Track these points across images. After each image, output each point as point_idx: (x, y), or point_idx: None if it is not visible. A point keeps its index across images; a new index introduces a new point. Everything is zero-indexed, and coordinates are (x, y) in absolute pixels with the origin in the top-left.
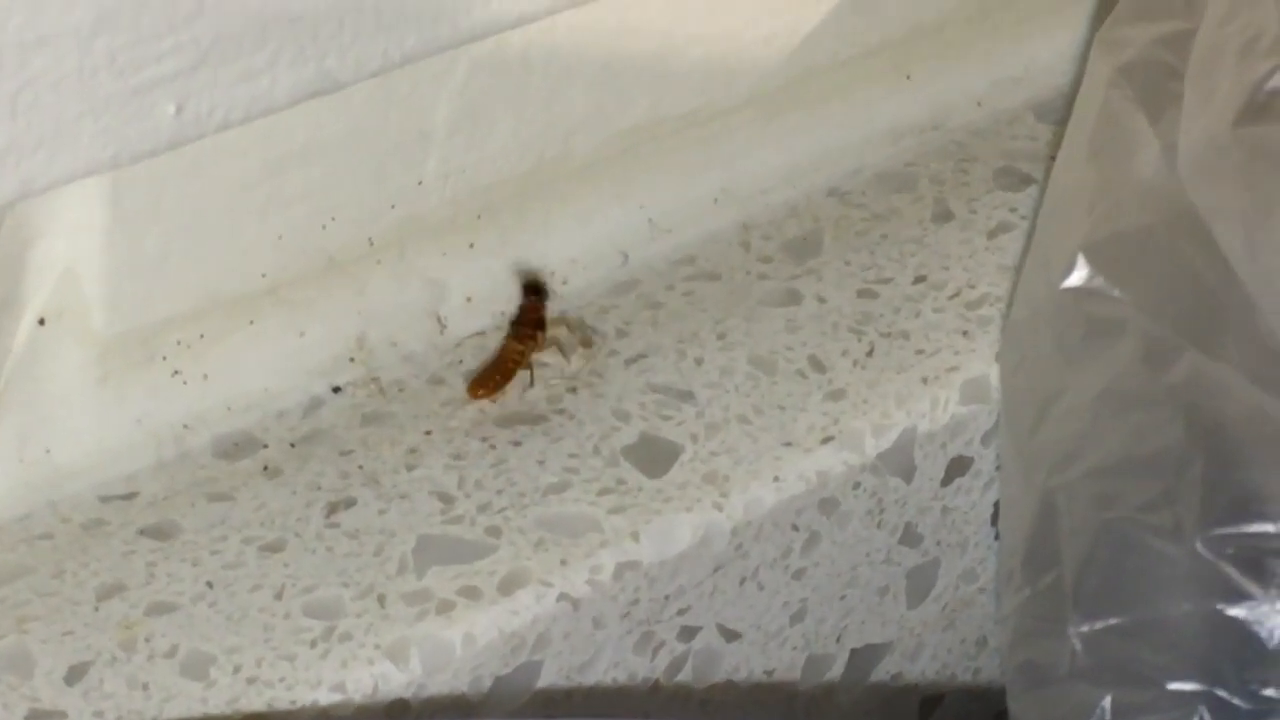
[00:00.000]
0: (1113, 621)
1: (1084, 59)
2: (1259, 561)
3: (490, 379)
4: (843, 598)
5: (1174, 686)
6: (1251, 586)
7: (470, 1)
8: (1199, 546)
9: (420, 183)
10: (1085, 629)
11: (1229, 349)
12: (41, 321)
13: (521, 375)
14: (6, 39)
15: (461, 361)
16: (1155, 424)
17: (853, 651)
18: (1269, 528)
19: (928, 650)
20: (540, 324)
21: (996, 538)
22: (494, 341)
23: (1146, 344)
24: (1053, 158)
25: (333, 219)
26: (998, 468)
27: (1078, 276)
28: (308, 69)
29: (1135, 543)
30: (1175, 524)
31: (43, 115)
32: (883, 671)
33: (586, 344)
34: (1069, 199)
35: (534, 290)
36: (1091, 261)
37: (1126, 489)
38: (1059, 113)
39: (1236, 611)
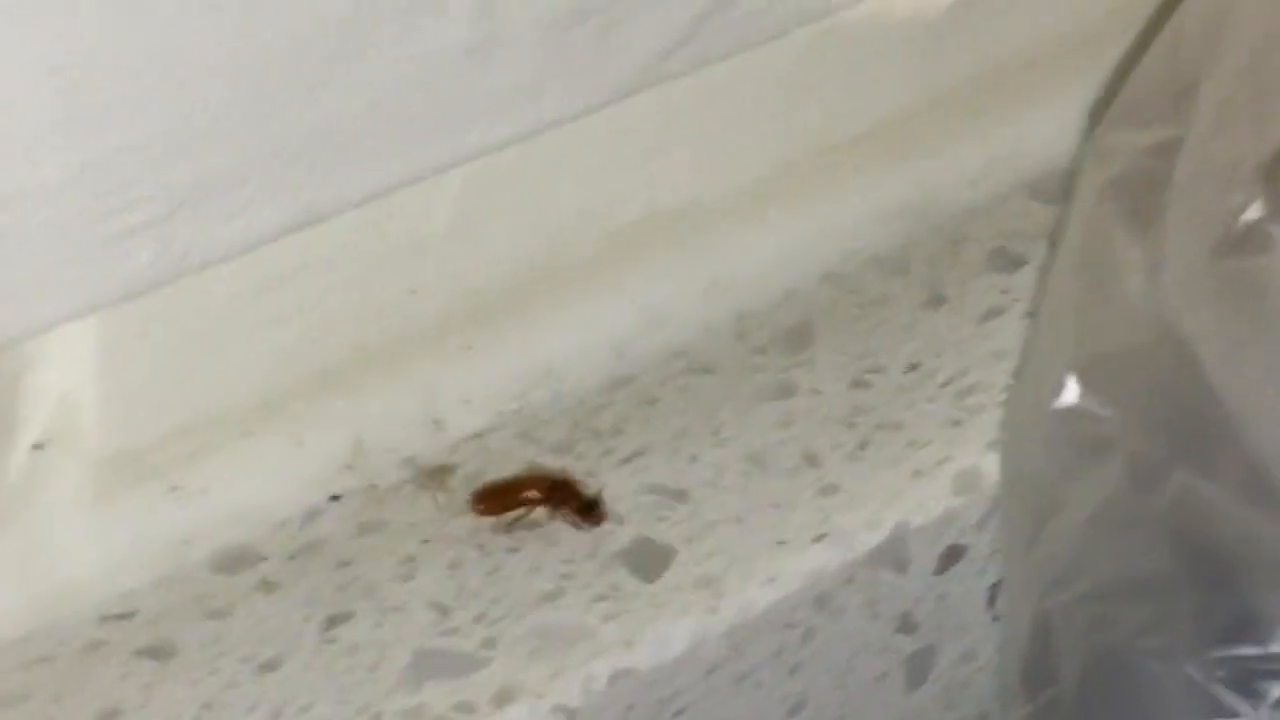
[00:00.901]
0: None
1: (1076, 136)
2: (1249, 682)
3: (499, 503)
4: (841, 688)
5: None
6: (1242, 706)
7: (453, 127)
8: (1190, 670)
9: (414, 290)
10: None
11: (1217, 468)
12: (38, 445)
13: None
14: None
15: (460, 465)
16: (1146, 546)
17: None
18: (1259, 650)
19: None
20: (582, 506)
21: (994, 620)
22: (494, 443)
23: (1136, 464)
24: (1045, 238)
25: (325, 331)
26: (992, 552)
27: (1068, 397)
28: (288, 205)
29: (1130, 665)
30: (1168, 647)
31: (19, 267)
32: None
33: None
34: (1059, 317)
35: (592, 507)
36: (1081, 381)
37: (1120, 612)
38: (1052, 191)
39: None
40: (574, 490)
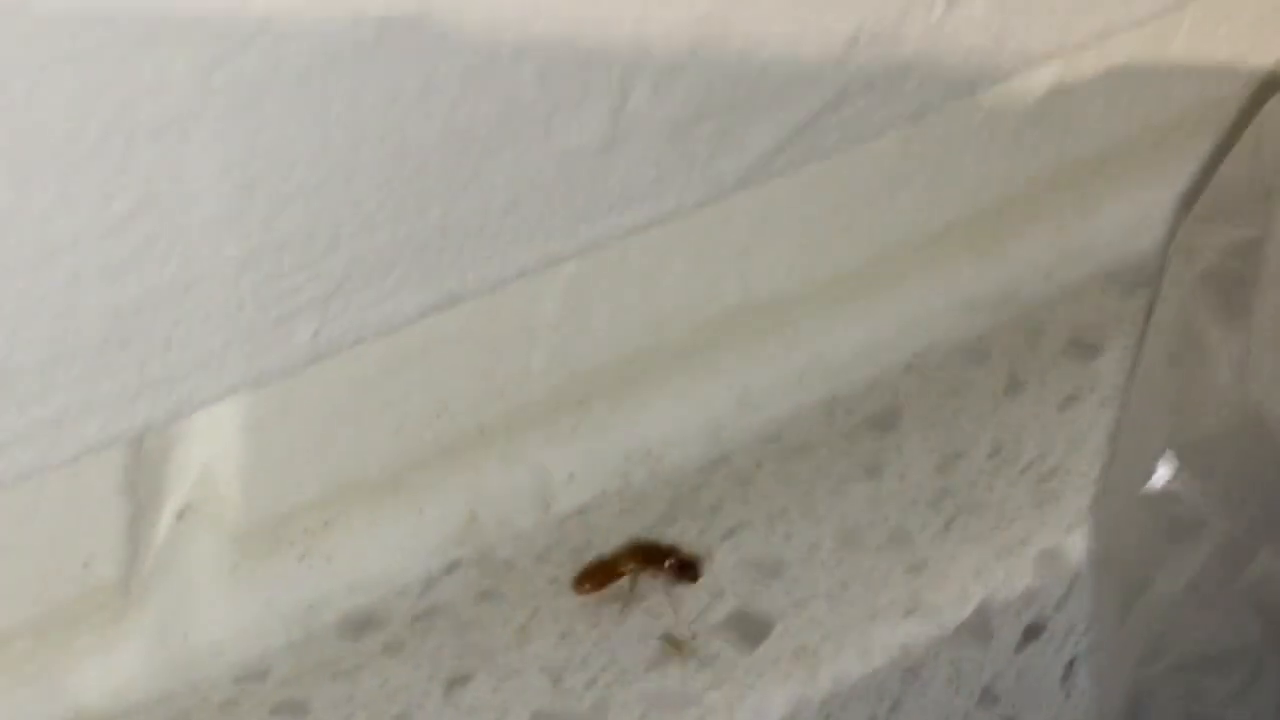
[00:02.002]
0: None
1: (1149, 229)
2: None
3: (597, 581)
4: None
5: None
6: None
7: (581, 218)
8: None
9: (526, 372)
10: None
11: None
12: (181, 515)
13: (624, 584)
14: (163, 281)
15: (566, 539)
16: (1233, 621)
17: None
18: None
19: None
20: (679, 563)
21: (1068, 697)
22: (597, 519)
23: (1224, 543)
24: (1120, 328)
25: (446, 409)
26: (1070, 629)
27: (1160, 479)
28: (430, 290)
29: None
30: (1255, 715)
31: (194, 348)
32: None
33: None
34: (1150, 404)
35: (689, 566)
36: (1174, 465)
37: (1209, 683)
38: (1125, 283)
39: None
40: (668, 550)
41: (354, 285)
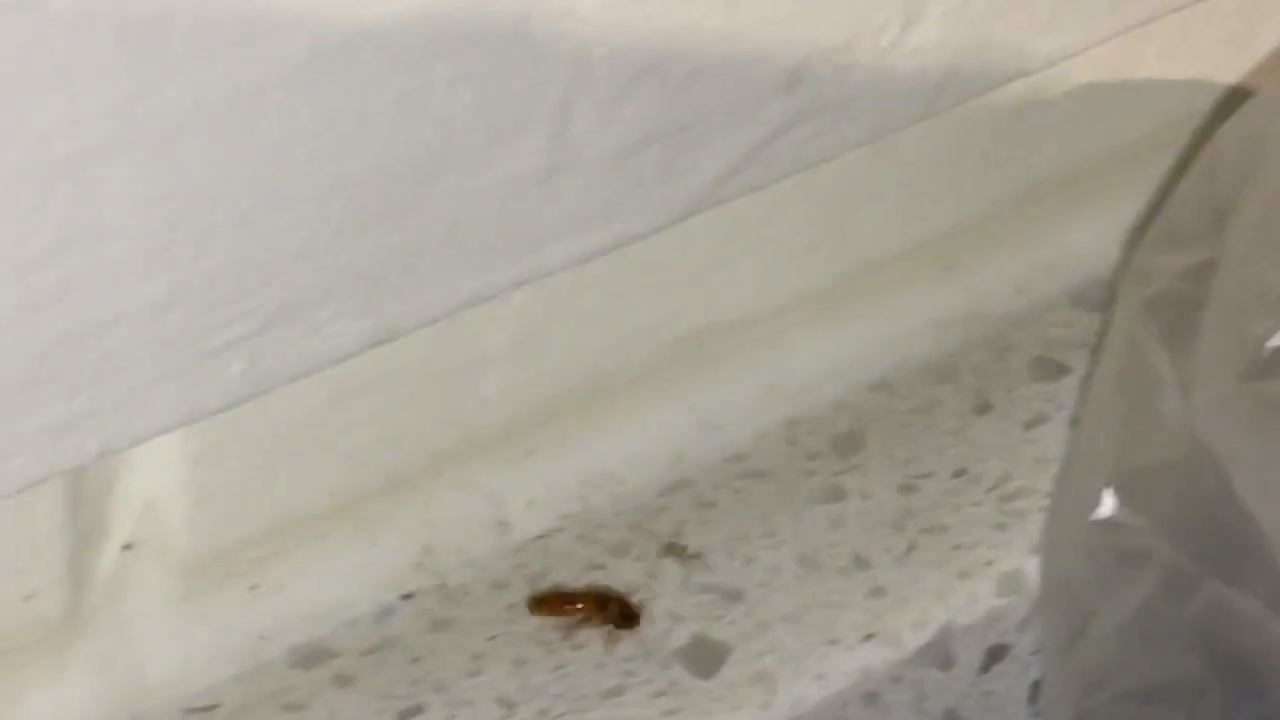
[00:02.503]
0: None
1: (1117, 247)
2: None
3: (551, 609)
4: None
5: None
6: None
7: (524, 248)
8: None
9: (480, 400)
10: None
11: (1247, 580)
12: (127, 547)
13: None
14: (87, 317)
15: (524, 565)
16: (1178, 652)
17: None
18: None
19: None
20: (620, 611)
21: (1035, 716)
22: (556, 544)
23: (1169, 574)
24: (1088, 347)
25: (397, 439)
26: (1035, 651)
27: (1106, 509)
28: (367, 323)
29: None
30: None
31: (121, 382)
32: None
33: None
34: (1098, 431)
35: (629, 616)
36: (1119, 495)
37: (1154, 713)
38: (1094, 301)
39: None
40: (618, 601)
41: (287, 319)
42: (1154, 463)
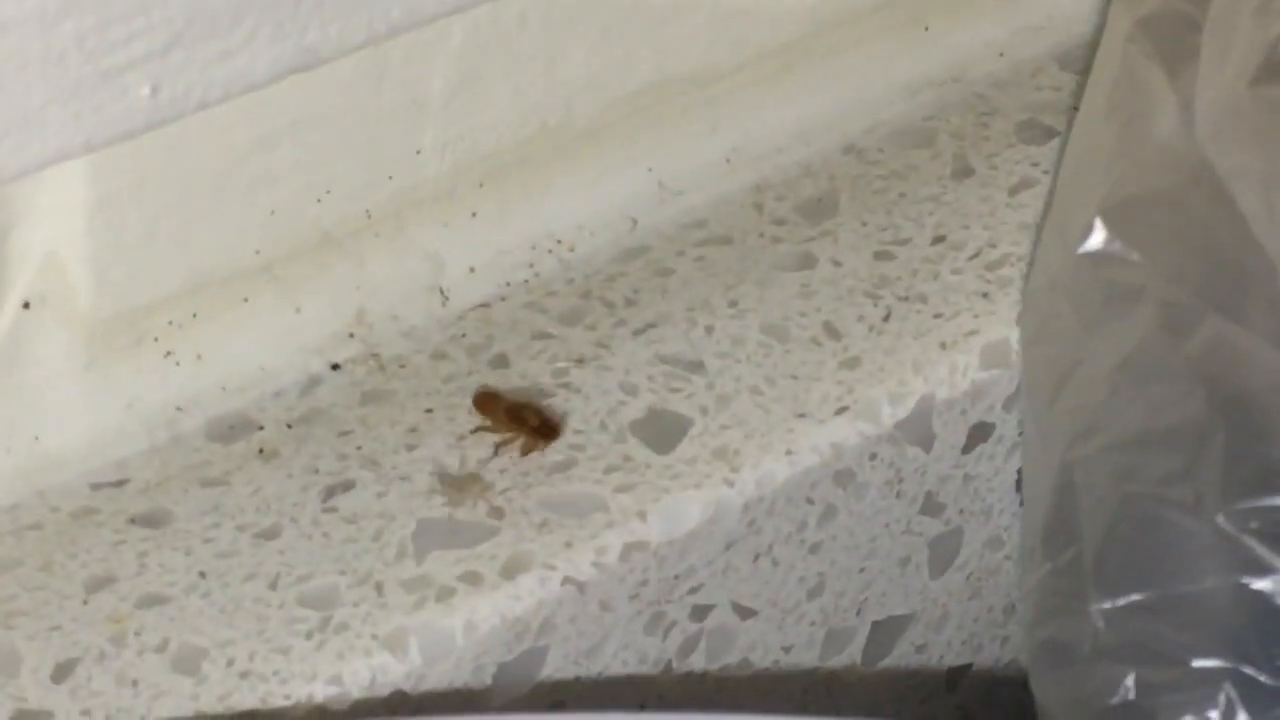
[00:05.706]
0: (1135, 598)
1: (1107, 6)
2: None
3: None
4: (862, 570)
5: (1199, 664)
6: (1276, 560)
7: None
8: (1221, 520)
9: (418, 152)
10: (1107, 606)
11: (1250, 314)
12: (26, 305)
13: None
14: None
15: (465, 335)
16: (1175, 395)
17: (874, 624)
18: None
19: (953, 620)
20: (538, 428)
21: (1021, 504)
22: (498, 314)
23: (1166, 310)
24: (1076, 109)
25: (327, 192)
26: (1020, 433)
27: (1095, 241)
28: (287, 45)
29: (1156, 518)
30: (1197, 498)
31: (8, 102)
32: (906, 643)
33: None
34: (1087, 160)
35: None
36: (1109, 225)
37: (1146, 462)
38: (1083, 62)
39: (1261, 585)
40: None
41: (197, 35)
42: (1149, 190)
